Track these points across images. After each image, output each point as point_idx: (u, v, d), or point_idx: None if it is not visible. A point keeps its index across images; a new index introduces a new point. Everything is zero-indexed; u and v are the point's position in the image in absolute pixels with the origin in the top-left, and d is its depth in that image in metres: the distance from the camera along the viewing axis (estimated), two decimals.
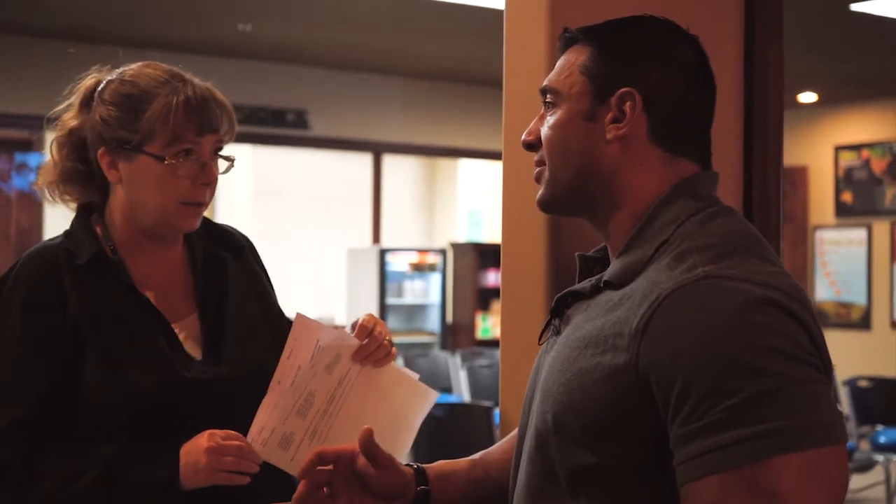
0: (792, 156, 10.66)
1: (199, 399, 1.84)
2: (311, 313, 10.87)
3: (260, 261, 2.09)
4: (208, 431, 1.79)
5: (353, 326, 1.92)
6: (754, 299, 1.23)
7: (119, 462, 1.77)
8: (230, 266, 1.99)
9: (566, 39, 1.52)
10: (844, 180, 10.73)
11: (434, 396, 1.96)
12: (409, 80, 9.98)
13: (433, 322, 10.19)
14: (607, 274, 1.39)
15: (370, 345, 1.89)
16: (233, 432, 1.81)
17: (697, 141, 1.45)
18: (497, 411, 5.09)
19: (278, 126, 9.39)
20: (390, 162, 10.75)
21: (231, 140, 1.93)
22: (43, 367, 1.80)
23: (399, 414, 1.93)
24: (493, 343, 9.59)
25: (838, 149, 10.77)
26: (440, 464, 1.60)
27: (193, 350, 1.90)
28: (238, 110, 1.97)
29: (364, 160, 10.46)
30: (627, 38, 1.46)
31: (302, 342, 1.86)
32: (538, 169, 1.49)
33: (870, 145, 10.54)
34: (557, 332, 1.45)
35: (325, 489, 1.49)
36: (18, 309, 1.82)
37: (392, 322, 9.84)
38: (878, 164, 10.51)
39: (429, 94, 10.17)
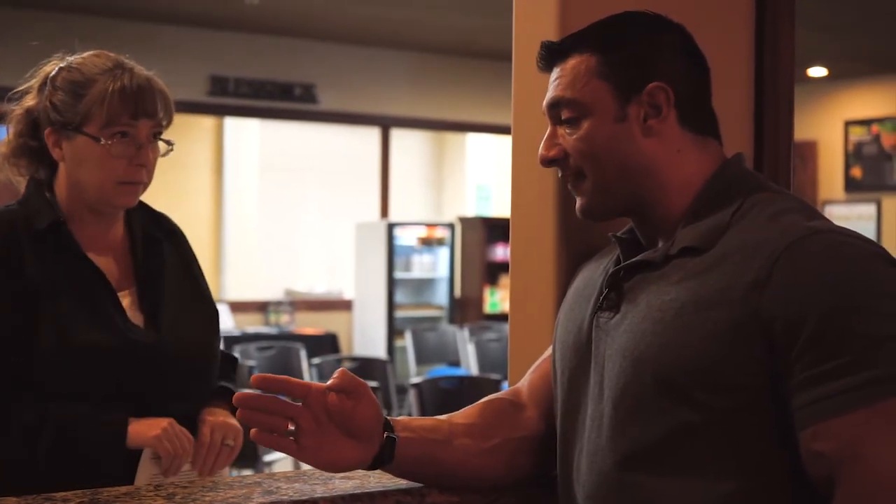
0: (801, 130, 10.59)
1: (144, 363, 1.98)
2: (320, 288, 10.77)
3: (189, 247, 2.22)
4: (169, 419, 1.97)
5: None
6: (869, 253, 1.33)
7: (71, 420, 1.91)
8: (165, 247, 2.13)
9: (554, 52, 1.54)
10: (854, 155, 10.69)
11: None
12: (417, 53, 9.95)
13: (441, 296, 10.20)
14: (684, 242, 1.44)
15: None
16: (188, 433, 1.99)
17: (712, 117, 1.54)
18: (505, 384, 5.08)
19: (286, 100, 9.37)
20: (398, 136, 10.73)
21: (168, 125, 2.07)
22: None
23: None
24: (500, 317, 9.60)
25: (848, 123, 10.73)
26: (404, 419, 1.60)
27: (135, 319, 2.03)
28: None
29: (372, 134, 10.44)
30: (630, 36, 1.50)
31: None
32: (572, 181, 1.54)
33: (880, 120, 10.50)
34: (614, 306, 1.48)
35: (289, 425, 1.46)
36: None
37: (400, 296, 9.85)
38: (889, 139, 10.47)
39: (437, 67, 10.14)
